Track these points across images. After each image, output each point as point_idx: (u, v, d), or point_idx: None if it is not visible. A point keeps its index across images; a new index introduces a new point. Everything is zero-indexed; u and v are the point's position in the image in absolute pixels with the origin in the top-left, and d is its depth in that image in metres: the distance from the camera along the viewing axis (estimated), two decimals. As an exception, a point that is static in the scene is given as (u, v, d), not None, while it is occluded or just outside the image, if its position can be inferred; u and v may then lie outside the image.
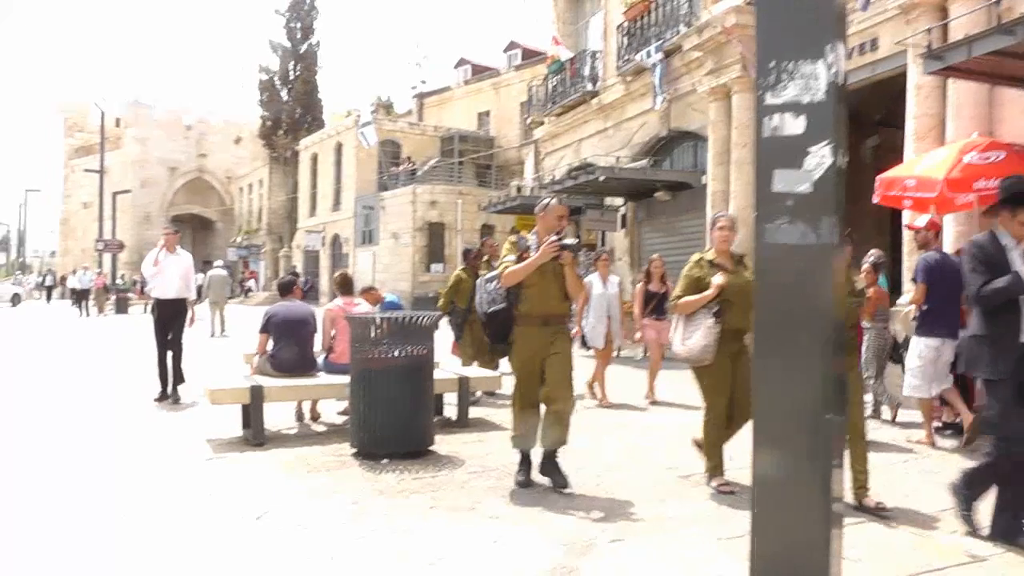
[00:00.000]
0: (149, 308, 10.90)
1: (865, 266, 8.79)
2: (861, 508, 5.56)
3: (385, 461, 6.89)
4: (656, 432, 8.67)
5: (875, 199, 9.86)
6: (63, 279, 53.29)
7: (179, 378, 10.32)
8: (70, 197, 67.45)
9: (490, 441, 7.99)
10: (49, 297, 51.38)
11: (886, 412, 9.22)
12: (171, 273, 10.37)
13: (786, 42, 2.60)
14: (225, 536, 5.01)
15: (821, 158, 2.53)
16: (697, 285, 6.04)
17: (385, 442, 6.94)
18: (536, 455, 6.27)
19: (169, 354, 10.29)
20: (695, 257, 6.30)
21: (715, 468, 6.23)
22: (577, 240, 6.07)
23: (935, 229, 8.52)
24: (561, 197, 6.34)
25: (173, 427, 8.71)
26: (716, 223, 6.27)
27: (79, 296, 35.26)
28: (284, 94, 54.07)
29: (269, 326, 8.57)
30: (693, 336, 5.99)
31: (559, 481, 6.08)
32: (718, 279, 5.92)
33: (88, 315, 33.30)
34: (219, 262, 31.10)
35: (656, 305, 10.77)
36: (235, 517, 5.38)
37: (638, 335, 11.06)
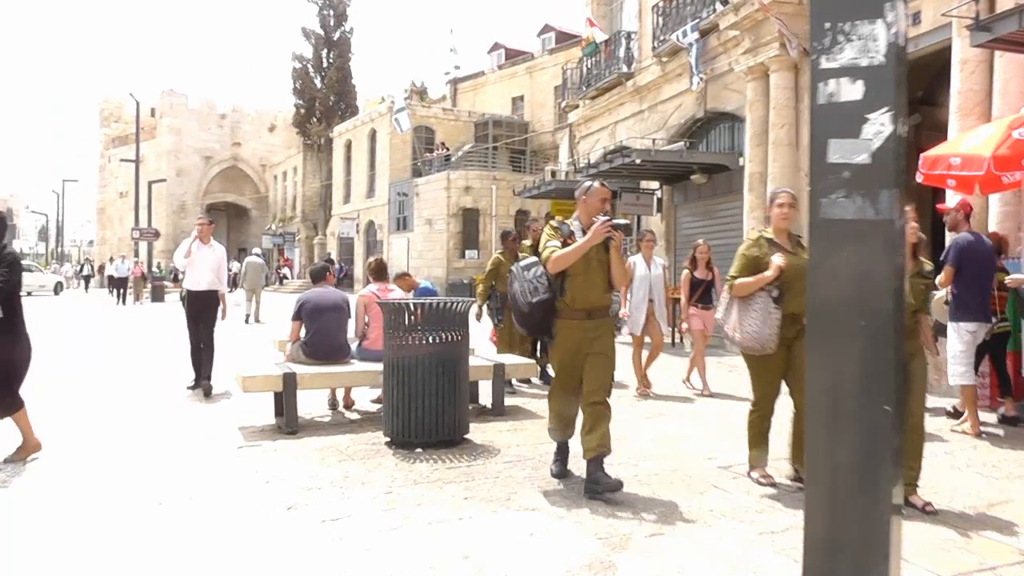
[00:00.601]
0: (181, 298, 10.67)
1: None
2: (908, 504, 5.31)
3: (419, 450, 6.77)
4: (694, 421, 8.49)
5: (918, 178, 9.57)
6: (101, 268, 53.79)
7: (210, 372, 10.03)
8: (106, 187, 68.08)
9: (526, 430, 7.84)
10: (87, 286, 51.87)
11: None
12: (203, 265, 10.17)
13: (842, 1, 2.38)
14: (256, 527, 4.89)
15: (880, 126, 2.33)
16: (755, 265, 5.66)
17: (419, 431, 6.82)
18: (574, 446, 6.00)
19: (201, 346, 10.17)
20: (753, 235, 5.96)
21: (757, 458, 6.02)
22: (627, 222, 5.67)
23: (966, 210, 8.48)
24: (602, 179, 5.99)
25: (205, 415, 8.63)
26: (775, 199, 5.89)
27: (116, 284, 35.50)
28: (318, 81, 54.17)
29: (302, 313, 8.46)
30: (752, 322, 5.61)
31: (612, 485, 5.48)
32: (778, 259, 5.56)
33: (124, 303, 33.53)
34: (256, 250, 31.22)
35: (703, 293, 10.43)
36: (266, 507, 5.26)
37: (685, 325, 10.63)
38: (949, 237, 9.08)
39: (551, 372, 10.85)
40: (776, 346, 5.57)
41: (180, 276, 10.64)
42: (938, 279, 8.30)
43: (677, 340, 16.23)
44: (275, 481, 5.89)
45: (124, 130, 64.37)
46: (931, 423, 8.09)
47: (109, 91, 69.77)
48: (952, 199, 10.40)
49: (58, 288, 45.50)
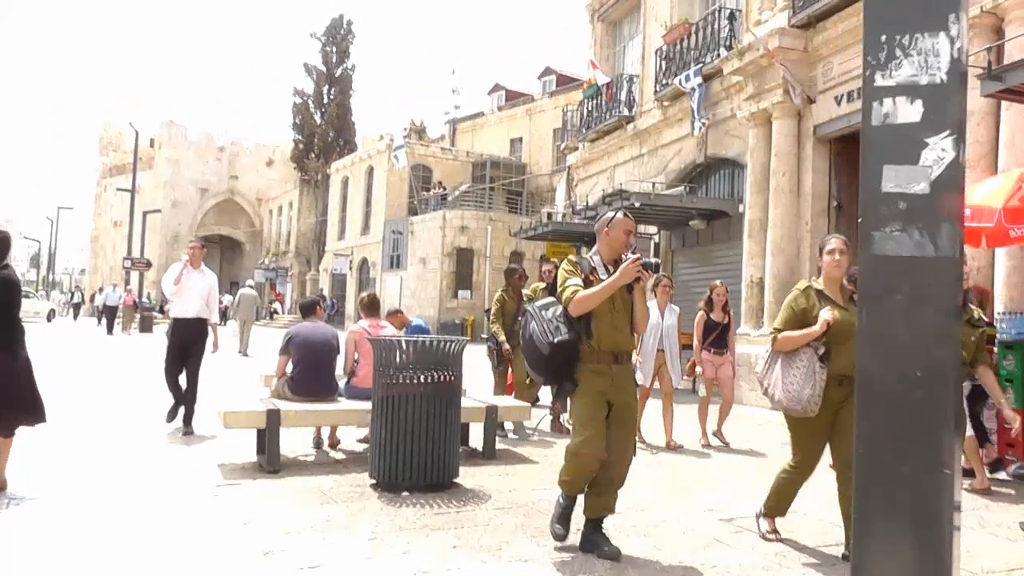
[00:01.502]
0: (167, 329, 9.88)
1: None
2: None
3: (406, 493, 6.44)
4: (696, 472, 8.18)
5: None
6: (92, 297, 53.37)
7: (192, 410, 9.26)
8: (101, 215, 67.90)
9: (517, 475, 7.52)
10: (76, 315, 51.41)
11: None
12: (192, 291, 9.45)
13: (900, 10, 2.12)
14: (230, 573, 4.56)
15: (941, 152, 2.07)
16: (802, 318, 5.19)
17: (406, 473, 6.49)
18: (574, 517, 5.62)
19: (183, 378, 9.37)
20: (801, 285, 5.47)
21: (774, 507, 5.66)
22: (658, 260, 5.18)
23: None
24: (626, 211, 5.52)
25: (185, 451, 8.29)
26: (825, 246, 5.35)
27: (107, 313, 35.04)
28: (317, 117, 54.24)
29: (290, 347, 8.16)
30: (794, 380, 5.12)
31: (610, 552, 5.05)
32: (826, 313, 5.07)
33: (112, 333, 33.12)
34: (249, 282, 31.02)
35: (717, 336, 9.90)
36: (242, 551, 4.94)
37: (699, 369, 9.89)
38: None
39: (565, 422, 10.52)
40: (819, 408, 5.09)
41: (167, 307, 9.89)
42: None
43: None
44: (253, 523, 5.56)
45: (122, 159, 64.23)
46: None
47: (110, 119, 69.45)
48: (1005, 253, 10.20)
49: (51, 316, 45.17)
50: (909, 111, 2.10)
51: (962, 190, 2.13)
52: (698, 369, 9.85)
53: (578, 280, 5.10)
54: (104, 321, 35.52)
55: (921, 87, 2.09)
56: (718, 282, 10.32)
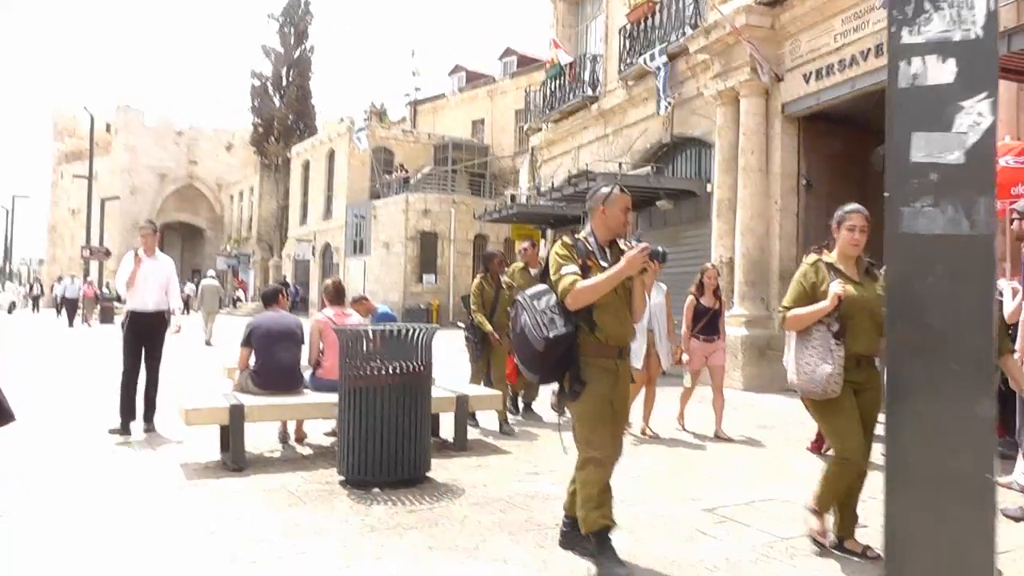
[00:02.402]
0: (122, 321, 9.12)
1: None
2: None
3: (376, 490, 6.20)
4: (674, 460, 7.98)
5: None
6: (51, 287, 52.45)
7: (152, 408, 8.76)
8: (58, 203, 66.74)
9: (491, 467, 7.30)
10: (36, 307, 50.51)
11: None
12: (151, 280, 8.71)
13: (930, -40, 1.86)
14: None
15: (977, 116, 1.82)
16: (812, 294, 4.82)
17: (376, 469, 6.24)
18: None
19: (142, 377, 8.71)
20: (810, 259, 5.03)
21: (846, 525, 4.96)
22: (665, 249, 4.54)
23: None
24: (623, 186, 4.94)
25: (145, 450, 7.98)
26: (845, 220, 4.91)
27: (67, 305, 34.36)
28: (276, 100, 53.44)
29: (252, 339, 7.86)
30: (809, 360, 4.74)
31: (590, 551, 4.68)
32: (836, 287, 4.69)
33: (73, 325, 32.46)
34: (211, 272, 30.61)
35: (708, 322, 9.29)
36: (207, 560, 4.66)
37: (685, 357, 9.26)
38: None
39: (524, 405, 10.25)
40: (840, 387, 4.68)
41: (124, 298, 9.06)
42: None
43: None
44: (218, 529, 5.28)
45: (78, 145, 62.99)
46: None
47: (63, 104, 68.30)
48: None
49: (12, 308, 44.42)
50: (941, 71, 1.85)
51: (996, 160, 1.90)
52: (684, 357, 9.29)
53: (575, 267, 4.52)
54: (64, 313, 34.86)
55: (954, 44, 1.84)
56: (710, 264, 9.88)
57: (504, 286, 9.56)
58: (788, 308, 4.90)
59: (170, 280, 9.00)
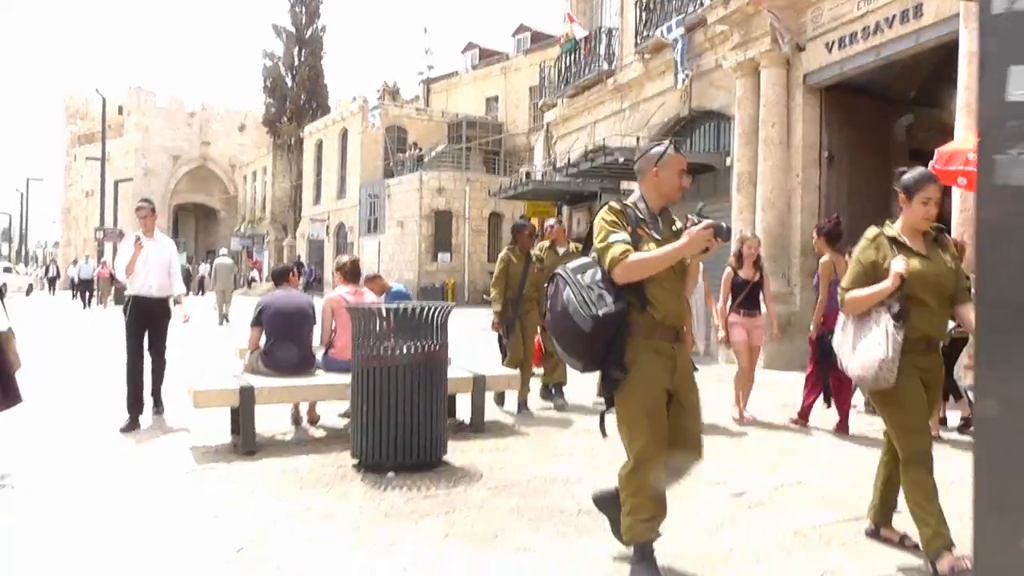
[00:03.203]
0: (123, 307, 8.47)
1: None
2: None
3: (391, 475, 5.97)
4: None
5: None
6: (67, 269, 52.43)
7: (158, 403, 8.36)
8: (72, 186, 66.62)
9: (509, 449, 7.07)
10: (52, 288, 50.52)
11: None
12: (153, 263, 8.16)
13: None
14: (197, 576, 4.10)
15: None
16: (873, 273, 4.26)
17: (391, 452, 6.02)
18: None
19: (147, 369, 8.21)
20: (870, 233, 4.42)
21: (936, 538, 4.14)
22: (728, 226, 3.93)
23: None
24: (678, 144, 4.15)
25: (155, 432, 7.78)
26: (918, 189, 4.26)
27: (81, 287, 34.25)
28: (289, 80, 53.15)
29: (262, 318, 7.64)
30: (865, 347, 4.19)
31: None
32: (898, 264, 4.14)
33: (90, 306, 32.38)
34: (224, 251, 30.49)
35: (747, 296, 8.69)
36: (213, 549, 4.46)
37: (722, 334, 8.69)
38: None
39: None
40: (895, 376, 4.11)
41: (123, 284, 8.53)
42: None
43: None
44: (225, 516, 5.08)
45: (90, 127, 62.80)
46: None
47: (75, 87, 68.18)
48: (960, 197, 9.82)
49: (30, 290, 44.55)
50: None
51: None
52: (720, 333, 8.72)
53: (624, 235, 3.85)
54: (79, 295, 34.77)
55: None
56: (749, 235, 9.33)
57: (534, 259, 9.06)
58: (847, 290, 4.36)
59: (172, 262, 8.45)
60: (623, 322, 3.83)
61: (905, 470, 4.28)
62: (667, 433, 3.96)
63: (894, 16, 12.07)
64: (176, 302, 8.51)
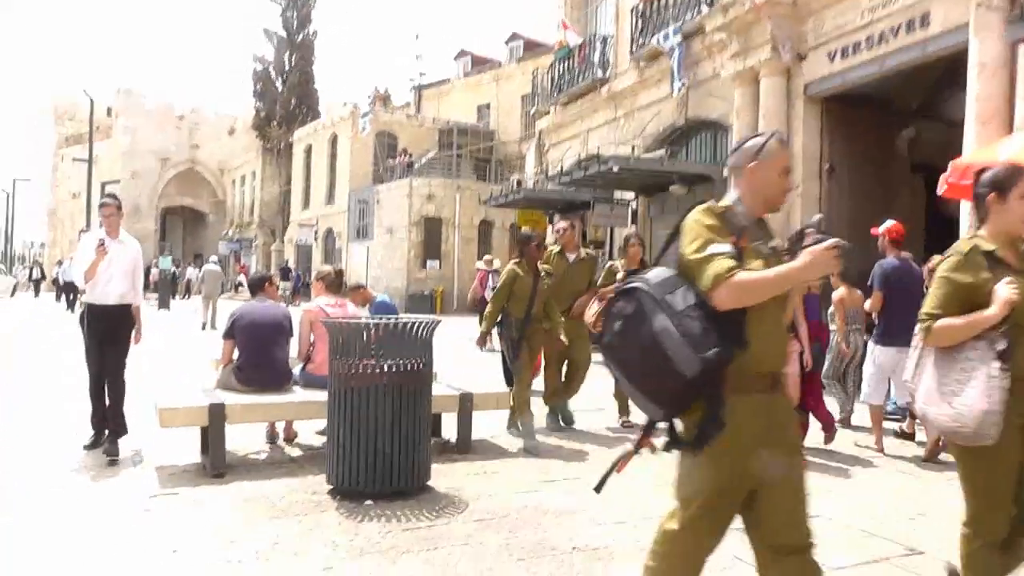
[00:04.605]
0: (79, 316, 7.55)
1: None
2: None
3: (369, 503, 5.54)
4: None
5: (940, 190, 8.68)
6: (52, 271, 51.78)
7: (119, 425, 7.07)
8: (59, 187, 65.96)
9: (497, 473, 6.63)
10: (37, 291, 49.86)
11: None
12: (114, 268, 7.06)
13: None
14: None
15: None
16: (967, 295, 3.37)
17: (370, 479, 5.59)
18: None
19: (106, 387, 7.14)
20: (963, 246, 3.51)
21: None
22: (849, 245, 2.99)
23: (891, 236, 8.12)
24: (781, 136, 3.19)
25: (122, 448, 7.27)
26: (1015, 181, 3.44)
27: (66, 289, 33.61)
28: (279, 84, 52.71)
29: (235, 330, 7.17)
30: (959, 391, 3.30)
31: None
32: (1007, 290, 3.27)
33: (72, 309, 31.80)
34: (213, 257, 30.11)
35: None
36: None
37: None
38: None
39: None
40: (999, 431, 3.23)
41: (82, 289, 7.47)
42: (867, 304, 8.19)
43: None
44: (185, 550, 4.62)
45: (78, 128, 62.11)
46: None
47: (63, 88, 67.63)
48: (968, 212, 9.53)
49: (14, 290, 43.94)
50: None
51: None
52: None
53: (728, 247, 2.89)
54: (64, 296, 34.16)
55: None
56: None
57: (543, 274, 8.12)
58: (933, 316, 3.43)
59: (136, 269, 7.36)
60: (721, 370, 2.82)
61: (969, 541, 3.50)
62: (738, 503, 3.00)
63: (900, 25, 11.74)
64: (134, 311, 7.34)
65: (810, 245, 2.87)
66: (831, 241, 2.83)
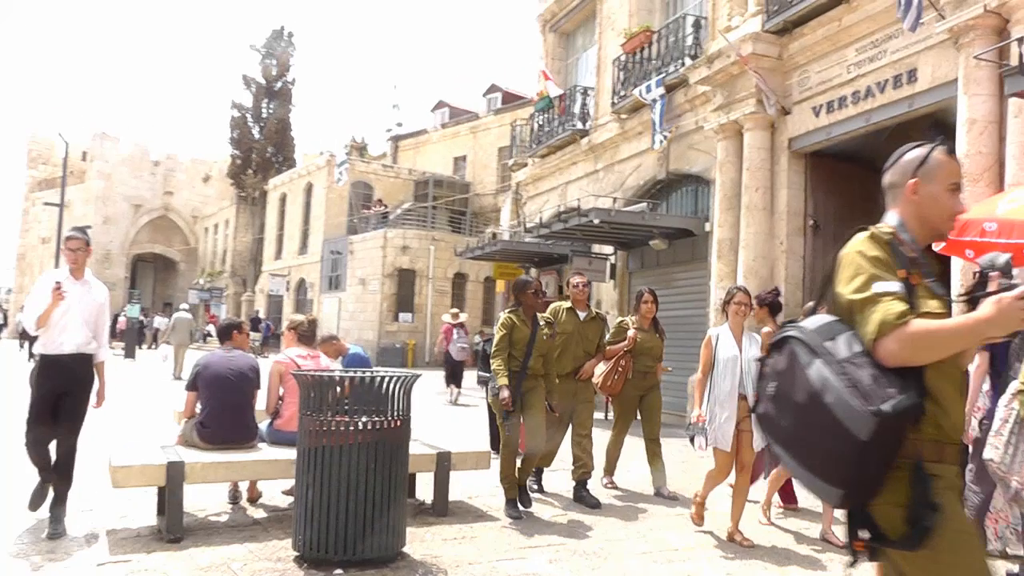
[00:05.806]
0: (31, 368, 6.46)
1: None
2: None
3: (339, 572, 5.10)
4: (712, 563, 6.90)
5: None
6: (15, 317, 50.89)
7: (65, 485, 6.17)
8: (29, 231, 65.21)
9: (477, 538, 6.21)
10: (-1, 336, 48.95)
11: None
12: (74, 313, 6.15)
13: None
14: None
15: None
16: None
17: (340, 545, 5.16)
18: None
19: (54, 444, 6.21)
20: None
21: None
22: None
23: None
24: (948, 145, 2.54)
25: (70, 507, 6.77)
26: None
27: (30, 337, 32.84)
28: (256, 132, 52.52)
29: (199, 381, 6.74)
30: None
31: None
32: None
33: (32, 359, 31.04)
34: (184, 305, 29.71)
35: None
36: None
37: (695, 413, 6.69)
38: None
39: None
40: None
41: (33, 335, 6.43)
42: None
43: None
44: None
45: (52, 172, 61.63)
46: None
47: (39, 130, 66.96)
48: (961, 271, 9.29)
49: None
50: None
51: None
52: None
53: (898, 285, 2.36)
54: (26, 346, 33.39)
55: None
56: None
57: (544, 323, 7.49)
58: None
59: (101, 315, 6.42)
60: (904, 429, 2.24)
61: None
62: None
63: (886, 81, 11.57)
64: (97, 368, 6.43)
65: (996, 292, 2.28)
66: (1020, 290, 2.22)
